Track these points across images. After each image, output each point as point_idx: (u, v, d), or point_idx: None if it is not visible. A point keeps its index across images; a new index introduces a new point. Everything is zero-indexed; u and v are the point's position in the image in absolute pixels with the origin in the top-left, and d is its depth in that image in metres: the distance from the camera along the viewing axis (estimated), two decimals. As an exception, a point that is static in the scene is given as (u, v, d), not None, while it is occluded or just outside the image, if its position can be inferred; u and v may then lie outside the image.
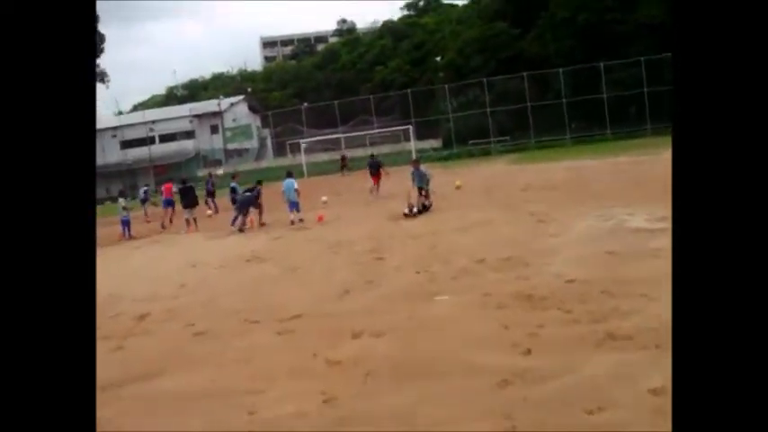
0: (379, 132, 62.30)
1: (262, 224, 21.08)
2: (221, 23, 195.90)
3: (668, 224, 10.32)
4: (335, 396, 5.63)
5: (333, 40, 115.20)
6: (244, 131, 79.90)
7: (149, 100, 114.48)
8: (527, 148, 53.09)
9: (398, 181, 34.25)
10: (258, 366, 6.77)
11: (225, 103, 79.73)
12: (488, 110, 58.07)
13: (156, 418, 5.79)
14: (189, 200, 24.14)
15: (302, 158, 56.60)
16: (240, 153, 78.22)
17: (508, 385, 5.40)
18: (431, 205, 19.21)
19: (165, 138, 77.21)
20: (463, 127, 60.09)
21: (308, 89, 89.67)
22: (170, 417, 5.75)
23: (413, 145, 53.75)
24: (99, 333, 9.08)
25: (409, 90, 65.74)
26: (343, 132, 62.87)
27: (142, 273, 14.70)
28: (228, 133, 78.10)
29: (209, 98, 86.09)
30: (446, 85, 62.06)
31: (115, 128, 78.36)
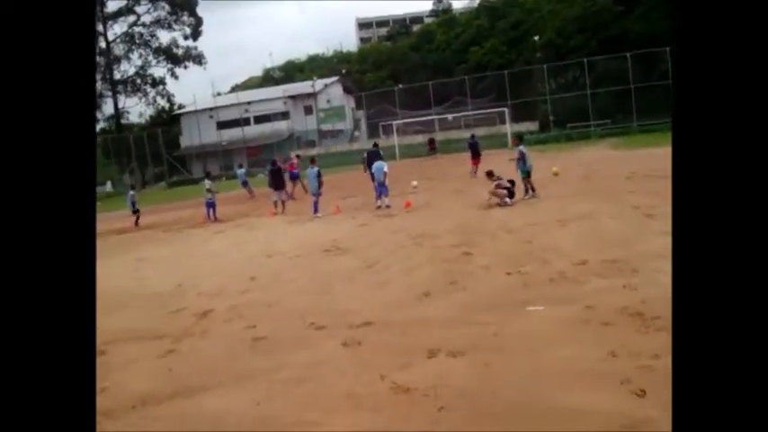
0: (473, 114, 60.78)
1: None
2: (317, 5, 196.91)
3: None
4: (399, 439, 4.59)
5: (428, 20, 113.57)
6: (337, 113, 79.55)
7: (247, 81, 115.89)
8: (629, 132, 50.41)
9: (493, 165, 33.01)
10: (313, 389, 5.76)
11: (319, 84, 79.58)
12: (588, 92, 55.67)
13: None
14: (277, 182, 23.84)
15: (395, 140, 55.66)
16: (334, 134, 77.99)
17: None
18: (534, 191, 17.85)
19: (260, 119, 77.65)
20: (561, 109, 57.89)
21: (403, 70, 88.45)
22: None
23: (508, 128, 52.00)
24: (155, 332, 8.40)
25: (506, 71, 63.60)
26: (437, 114, 61.61)
27: (216, 261, 14.03)
28: (322, 114, 77.97)
29: (305, 79, 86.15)
30: (544, 66, 59.85)
31: (212, 109, 79.40)
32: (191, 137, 77.89)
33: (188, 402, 5.85)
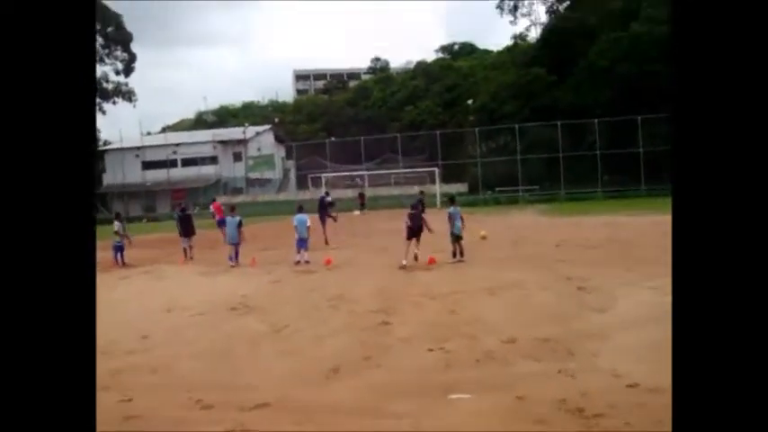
0: (404, 172, 60.50)
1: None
2: (257, 54, 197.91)
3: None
4: None
5: (366, 77, 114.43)
6: (266, 161, 78.40)
7: (179, 123, 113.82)
8: (557, 199, 50.79)
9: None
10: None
11: (251, 131, 78.51)
12: (519, 157, 56.00)
13: None
14: (186, 228, 22.58)
15: (322, 193, 54.75)
16: (262, 183, 76.75)
17: None
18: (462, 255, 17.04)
19: (187, 162, 75.81)
20: (491, 173, 58.20)
21: (337, 124, 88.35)
22: None
23: (438, 188, 51.65)
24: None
25: (438, 132, 63.80)
26: (368, 170, 61.08)
27: (111, 313, 12.51)
28: (251, 162, 76.65)
29: (237, 125, 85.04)
30: (476, 129, 60.29)
31: (138, 148, 77.16)
32: (114, 175, 75.29)
33: None
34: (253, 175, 76.21)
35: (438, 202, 40.86)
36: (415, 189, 44.67)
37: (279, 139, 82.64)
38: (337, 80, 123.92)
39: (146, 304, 13.50)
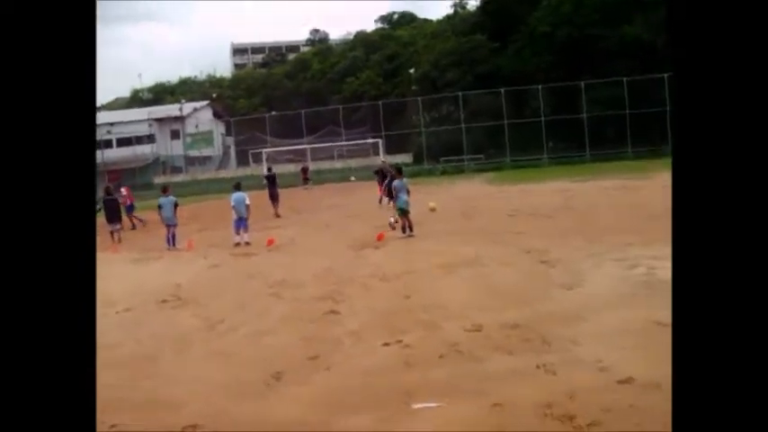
0: (347, 145, 59.27)
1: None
2: (193, 29, 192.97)
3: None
4: None
5: (305, 50, 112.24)
6: (205, 138, 76.04)
7: (113, 102, 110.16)
8: (502, 167, 50.08)
9: (366, 198, 31.21)
10: None
11: (188, 107, 76.09)
12: (463, 126, 55.06)
13: None
14: (112, 213, 21.32)
15: (264, 168, 53.14)
16: (202, 161, 74.48)
17: None
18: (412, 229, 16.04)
19: (123, 142, 73.01)
20: (435, 143, 57.22)
21: (277, 98, 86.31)
22: None
23: (382, 159, 50.63)
24: None
25: (380, 102, 62.49)
26: (309, 143, 59.59)
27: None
28: (189, 139, 74.29)
29: (175, 103, 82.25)
30: (419, 98, 59.17)
31: (70, 129, 73.91)
32: (43, 158, 71.99)
33: None
34: (192, 153, 73.87)
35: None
36: (359, 162, 43.68)
37: (217, 115, 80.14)
38: (276, 53, 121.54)
39: (67, 299, 12.17)
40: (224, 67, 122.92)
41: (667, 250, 9.07)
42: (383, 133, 56.52)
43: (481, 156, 54.75)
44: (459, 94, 55.57)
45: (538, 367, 5.97)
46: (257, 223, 21.79)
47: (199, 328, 8.76)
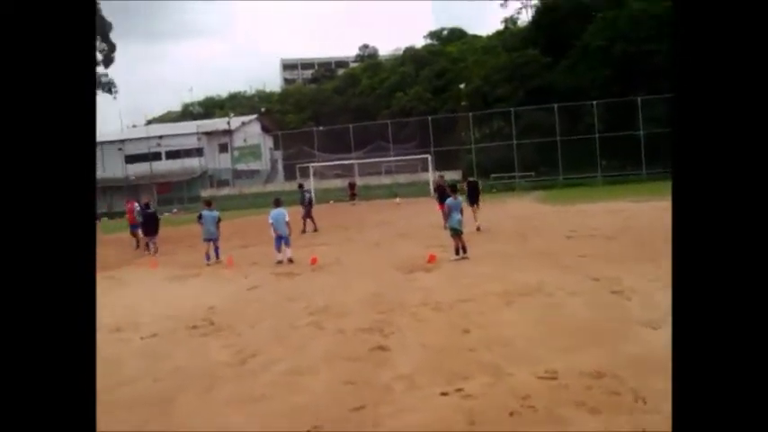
0: (395, 160, 58.30)
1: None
2: (244, 45, 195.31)
3: None
4: None
5: (354, 65, 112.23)
6: (253, 151, 76.02)
7: (165, 115, 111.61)
8: (554, 185, 48.61)
9: (414, 214, 30.13)
10: None
11: (236, 121, 76.21)
12: (514, 142, 53.69)
13: None
14: (150, 227, 21.43)
15: (311, 183, 52.47)
16: (250, 174, 74.38)
17: None
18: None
19: (172, 154, 73.50)
20: (485, 159, 55.83)
21: (325, 113, 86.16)
22: None
23: (431, 175, 49.50)
24: None
25: (429, 117, 61.46)
26: (357, 158, 58.79)
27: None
28: (237, 153, 74.30)
29: (224, 116, 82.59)
30: (469, 114, 57.95)
31: (122, 141, 74.65)
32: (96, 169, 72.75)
33: None
34: (239, 167, 73.87)
35: (432, 191, 38.77)
36: (407, 178, 42.71)
37: (265, 129, 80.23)
38: (325, 69, 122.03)
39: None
40: (274, 83, 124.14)
41: None
42: (432, 149, 55.41)
43: (532, 173, 53.37)
44: (512, 110, 54.23)
45: (639, 438, 4.81)
46: (301, 239, 20.89)
47: (228, 363, 7.72)
